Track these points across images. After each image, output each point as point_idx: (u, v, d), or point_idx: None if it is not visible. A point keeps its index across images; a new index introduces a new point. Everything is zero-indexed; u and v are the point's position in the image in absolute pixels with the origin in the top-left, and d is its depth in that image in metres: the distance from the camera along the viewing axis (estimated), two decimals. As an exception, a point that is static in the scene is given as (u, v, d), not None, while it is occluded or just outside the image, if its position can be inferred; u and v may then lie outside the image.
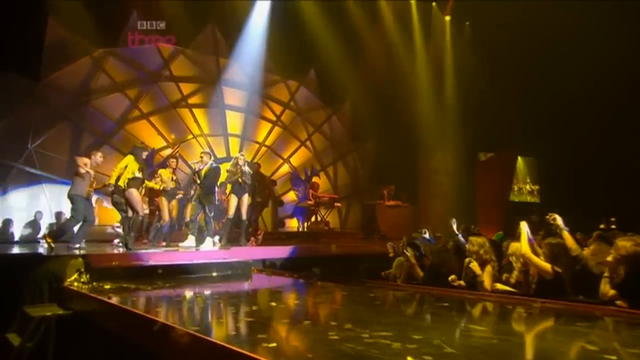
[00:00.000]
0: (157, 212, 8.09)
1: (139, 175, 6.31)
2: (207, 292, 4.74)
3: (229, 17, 11.84)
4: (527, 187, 15.11)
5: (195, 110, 11.88)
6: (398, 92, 13.23)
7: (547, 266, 3.78)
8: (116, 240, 7.61)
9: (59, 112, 9.98)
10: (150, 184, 7.68)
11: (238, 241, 7.45)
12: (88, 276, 4.89)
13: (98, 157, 6.68)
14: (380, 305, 3.72)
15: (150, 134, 11.17)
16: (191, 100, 11.91)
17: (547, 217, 4.25)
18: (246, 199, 7.63)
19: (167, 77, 11.52)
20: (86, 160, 6.52)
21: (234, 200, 7.35)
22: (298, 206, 12.81)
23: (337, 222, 13.55)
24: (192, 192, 7.97)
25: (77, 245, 6.55)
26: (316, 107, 13.89)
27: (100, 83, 10.59)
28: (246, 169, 7.90)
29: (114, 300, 3.91)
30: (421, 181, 14.58)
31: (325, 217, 11.87)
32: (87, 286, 4.68)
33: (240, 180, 7.34)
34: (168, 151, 11.13)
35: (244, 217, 7.97)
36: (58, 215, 9.63)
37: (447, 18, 13.67)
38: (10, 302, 4.57)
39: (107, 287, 4.68)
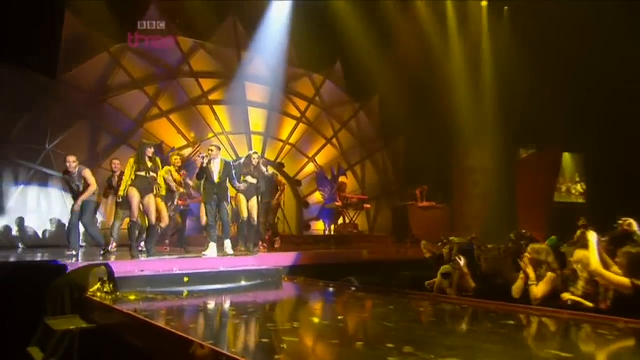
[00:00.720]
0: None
1: (141, 173, 6.21)
2: (239, 304, 4.58)
3: (250, 8, 11.73)
4: (578, 187, 14.48)
5: (216, 107, 11.80)
6: (431, 84, 12.89)
7: (625, 281, 3.47)
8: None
9: (77, 111, 10.01)
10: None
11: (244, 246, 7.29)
12: (111, 285, 4.80)
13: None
14: (436, 322, 3.50)
15: (170, 133, 11.16)
16: (212, 97, 11.85)
17: (621, 222, 3.96)
18: (256, 200, 7.46)
19: (187, 72, 11.47)
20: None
21: (243, 201, 7.17)
22: (325, 208, 12.64)
23: (366, 224, 13.31)
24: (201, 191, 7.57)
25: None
26: (343, 102, 13.67)
27: (118, 80, 10.60)
28: (262, 168, 7.73)
29: (142, 314, 3.78)
30: (455, 180, 14.22)
31: (353, 219, 11.65)
32: (110, 296, 4.58)
33: (252, 179, 7.17)
34: (189, 151, 11.08)
35: (255, 220, 7.81)
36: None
37: (484, 3, 13.27)
38: (31, 313, 4.50)
39: (132, 297, 4.57)
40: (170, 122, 11.27)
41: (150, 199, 6.31)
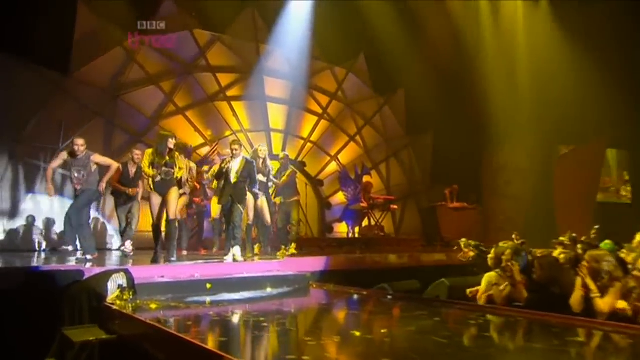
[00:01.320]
0: None
1: (163, 168, 6.07)
2: (268, 313, 4.41)
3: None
4: (628, 187, 13.90)
5: (234, 104, 11.69)
6: (461, 77, 12.54)
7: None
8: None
9: (90, 109, 9.98)
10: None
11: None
12: (131, 293, 4.68)
13: None
14: (497, 339, 3.26)
15: (186, 130, 11.07)
16: (230, 93, 11.74)
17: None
18: (265, 199, 7.28)
19: (204, 67, 11.37)
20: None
21: (251, 201, 6.98)
22: (349, 209, 12.42)
23: (391, 226, 13.06)
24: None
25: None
26: (366, 97, 13.46)
27: (132, 76, 10.55)
28: (269, 163, 7.55)
29: (166, 325, 3.63)
30: (486, 179, 13.85)
31: (380, 221, 11.41)
32: (131, 305, 4.46)
33: (262, 177, 7.01)
34: (206, 149, 11.00)
35: (268, 221, 7.63)
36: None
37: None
38: (48, 323, 4.40)
39: (154, 306, 4.44)
40: (186, 119, 11.19)
41: (171, 195, 6.17)
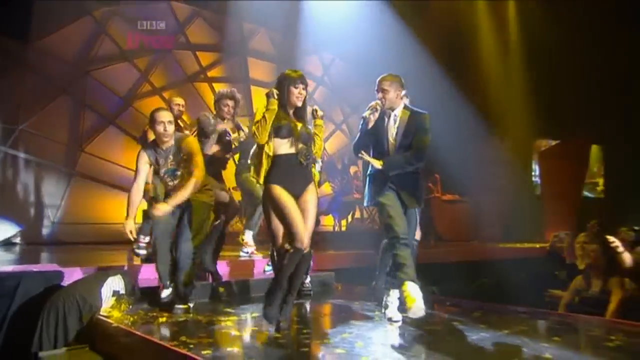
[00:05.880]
0: None
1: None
2: (306, 321, 3.43)
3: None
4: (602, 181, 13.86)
5: (215, 85, 10.52)
6: (452, 65, 11.89)
7: None
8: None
9: (55, 85, 8.59)
10: None
11: None
12: (131, 302, 3.60)
13: None
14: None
15: (164, 113, 9.81)
16: (211, 73, 10.57)
17: None
18: None
19: (183, 44, 10.15)
20: None
21: None
22: (335, 201, 11.53)
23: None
24: None
25: None
26: (354, 83, 12.55)
27: (103, 50, 9.21)
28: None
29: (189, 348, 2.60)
30: (473, 172, 13.33)
31: (373, 213, 10.58)
32: (132, 318, 3.37)
33: None
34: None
35: None
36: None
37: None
38: (17, 346, 3.25)
39: (162, 319, 3.38)
40: (163, 101, 9.91)
41: None
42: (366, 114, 3.36)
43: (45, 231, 8.26)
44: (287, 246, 3.11)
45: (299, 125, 3.25)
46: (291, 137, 3.16)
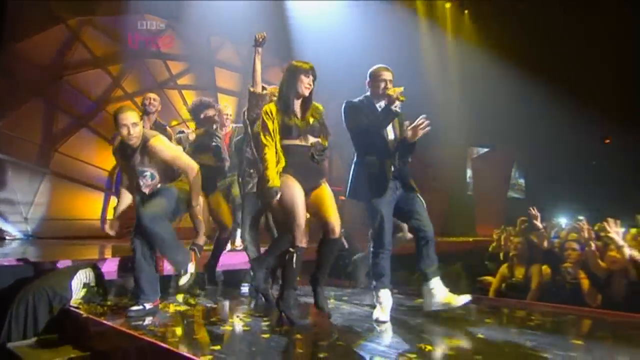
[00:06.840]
0: None
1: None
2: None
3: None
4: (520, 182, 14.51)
5: (184, 92, 10.26)
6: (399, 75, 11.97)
7: None
8: None
9: (28, 88, 8.15)
10: None
11: None
12: (101, 291, 3.42)
13: None
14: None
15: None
16: (180, 81, 10.28)
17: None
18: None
19: (154, 53, 9.81)
20: None
21: None
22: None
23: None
24: None
25: None
26: (320, 99, 12.51)
27: (77, 56, 8.83)
28: None
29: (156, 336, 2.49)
30: (415, 174, 13.61)
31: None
32: (102, 308, 3.21)
33: None
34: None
35: None
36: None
37: (448, 5, 12.62)
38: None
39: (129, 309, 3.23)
40: (135, 106, 9.55)
41: None
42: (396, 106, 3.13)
43: (18, 227, 7.77)
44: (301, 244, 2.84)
45: (309, 117, 3.02)
46: (300, 135, 2.95)
